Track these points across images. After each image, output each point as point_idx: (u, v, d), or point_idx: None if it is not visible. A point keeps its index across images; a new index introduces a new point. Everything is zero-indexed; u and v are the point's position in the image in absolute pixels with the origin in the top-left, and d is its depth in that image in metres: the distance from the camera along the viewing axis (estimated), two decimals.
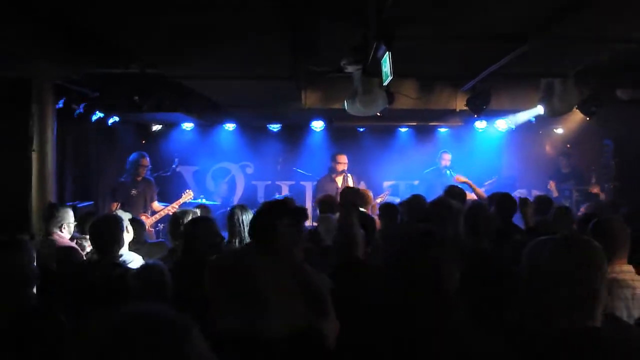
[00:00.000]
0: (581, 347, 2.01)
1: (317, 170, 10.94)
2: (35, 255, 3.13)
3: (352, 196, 3.83)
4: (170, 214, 9.13)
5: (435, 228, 2.71)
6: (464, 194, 6.58)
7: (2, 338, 2.69)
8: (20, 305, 2.94)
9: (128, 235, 4.94)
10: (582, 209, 7.81)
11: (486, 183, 10.45)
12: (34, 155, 6.81)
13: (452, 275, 2.55)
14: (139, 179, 9.27)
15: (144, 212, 9.17)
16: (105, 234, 4.45)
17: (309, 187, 12.01)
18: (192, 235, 4.42)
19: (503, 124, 11.12)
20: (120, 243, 4.51)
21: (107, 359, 1.22)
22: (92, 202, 9.33)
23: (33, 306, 3.03)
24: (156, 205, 9.46)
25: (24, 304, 2.97)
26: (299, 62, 7.21)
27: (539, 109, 8.94)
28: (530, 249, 2.22)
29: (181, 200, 9.41)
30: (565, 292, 2.08)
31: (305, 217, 3.32)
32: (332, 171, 9.68)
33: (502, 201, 5.89)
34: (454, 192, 6.38)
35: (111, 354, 1.22)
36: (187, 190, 9.71)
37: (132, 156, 9.46)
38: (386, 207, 6.34)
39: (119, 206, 8.75)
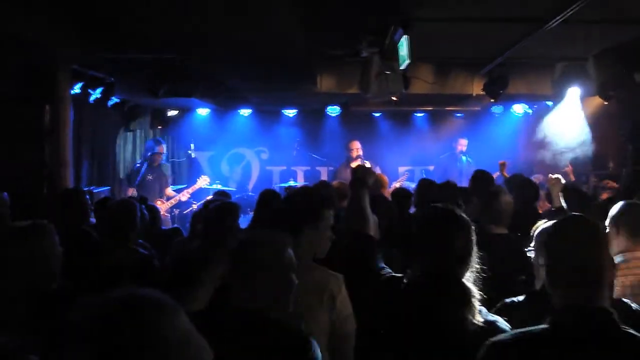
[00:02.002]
0: (584, 326, 1.98)
1: (333, 155, 10.91)
2: (58, 240, 3.14)
3: (362, 173, 3.75)
4: (184, 200, 9.18)
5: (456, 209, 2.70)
6: (490, 178, 6.44)
7: (25, 323, 2.70)
8: (44, 290, 2.95)
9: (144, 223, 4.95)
10: (604, 195, 7.70)
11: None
12: (51, 140, 6.83)
13: (468, 256, 2.55)
14: (155, 164, 9.31)
15: (160, 198, 9.20)
16: (122, 219, 4.46)
17: (324, 173, 11.99)
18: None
19: (520, 109, 11.01)
20: (136, 228, 4.52)
21: (86, 343, 1.23)
22: (109, 188, 9.37)
23: (55, 291, 3.03)
24: (169, 191, 9.49)
25: (47, 289, 2.98)
26: (313, 46, 7.16)
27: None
28: (540, 230, 2.21)
29: (196, 186, 9.43)
30: (567, 269, 2.06)
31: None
32: (349, 159, 9.67)
33: (522, 186, 5.82)
34: (480, 177, 6.29)
35: (91, 338, 1.24)
36: (203, 176, 9.73)
37: (149, 143, 9.50)
38: (399, 192, 6.30)
39: (134, 191, 8.79)
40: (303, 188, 3.71)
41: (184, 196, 9.29)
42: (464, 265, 2.55)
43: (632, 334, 1.97)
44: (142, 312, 1.28)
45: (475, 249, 2.59)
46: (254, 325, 2.27)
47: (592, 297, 2.02)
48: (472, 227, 2.62)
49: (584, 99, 9.14)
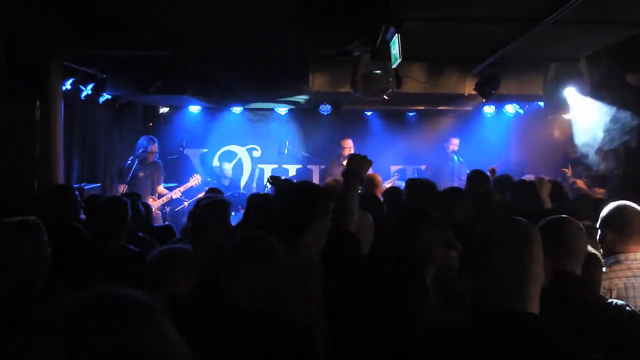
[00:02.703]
0: (507, 331, 1.91)
1: (324, 154, 10.93)
2: (47, 238, 3.12)
3: (356, 165, 3.67)
4: (175, 197, 9.15)
5: (427, 208, 2.72)
6: (485, 178, 6.44)
7: (4, 319, 2.68)
8: (32, 288, 2.93)
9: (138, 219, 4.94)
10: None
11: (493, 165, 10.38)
12: (41, 136, 6.80)
13: (433, 253, 2.57)
14: (147, 162, 9.27)
15: (152, 195, 9.18)
16: (111, 215, 4.44)
17: (316, 171, 12.00)
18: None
19: (511, 109, 11.05)
20: (125, 225, 4.50)
21: (61, 343, 1.16)
22: (99, 185, 9.34)
23: (40, 289, 3.02)
24: (161, 188, 9.47)
25: (35, 287, 2.97)
26: (305, 45, 7.17)
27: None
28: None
29: (188, 185, 9.41)
30: (492, 273, 2.01)
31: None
32: (340, 156, 9.67)
33: (520, 185, 5.84)
34: (475, 177, 6.31)
35: (66, 338, 1.16)
36: (195, 175, 9.70)
37: (141, 140, 9.44)
38: (390, 191, 6.33)
39: (125, 188, 8.76)
40: (303, 185, 3.59)
41: (176, 194, 9.27)
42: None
43: (556, 344, 1.88)
44: (122, 314, 1.21)
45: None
46: (251, 323, 2.26)
47: (513, 301, 1.96)
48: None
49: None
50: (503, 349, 1.87)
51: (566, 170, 9.53)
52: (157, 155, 9.53)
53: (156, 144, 9.41)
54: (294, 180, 7.20)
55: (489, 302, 1.98)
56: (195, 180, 9.52)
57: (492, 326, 1.94)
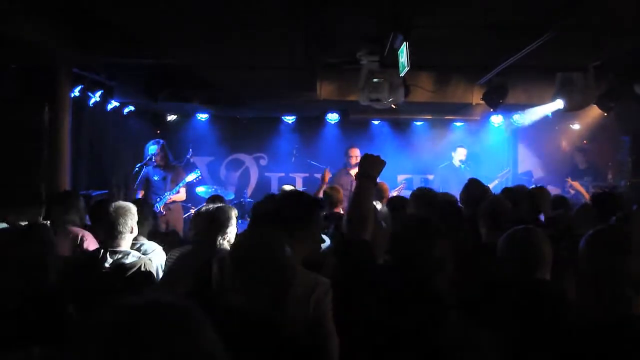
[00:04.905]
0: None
1: (332, 162, 10.89)
2: (54, 242, 3.13)
3: (369, 166, 3.42)
4: (180, 198, 9.02)
5: (431, 218, 2.71)
6: (484, 189, 6.40)
7: (8, 320, 2.69)
8: (33, 291, 2.93)
9: (147, 224, 4.94)
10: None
11: (499, 175, 10.36)
12: (49, 142, 6.83)
13: (441, 264, 2.56)
14: (162, 164, 9.09)
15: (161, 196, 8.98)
16: (119, 220, 4.43)
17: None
18: None
19: (519, 119, 11.02)
20: (133, 231, 4.48)
21: (113, 354, 1.14)
22: (107, 192, 9.32)
23: (44, 293, 3.02)
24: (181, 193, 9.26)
25: (36, 290, 2.97)
26: (313, 53, 7.17)
27: (558, 104, 8.83)
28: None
29: (187, 180, 9.11)
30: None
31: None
32: (347, 164, 9.65)
33: (533, 195, 5.80)
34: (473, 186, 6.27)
35: (117, 348, 1.14)
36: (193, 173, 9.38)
37: (150, 144, 9.22)
38: (393, 200, 6.30)
39: (142, 194, 8.73)
40: (293, 191, 3.50)
41: (180, 195, 9.05)
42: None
43: None
44: (168, 322, 1.19)
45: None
46: (256, 326, 2.25)
47: None
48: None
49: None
50: None
51: (569, 180, 9.49)
52: (170, 156, 9.38)
53: (159, 146, 9.19)
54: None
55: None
56: (192, 176, 9.21)
57: None
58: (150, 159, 9.03)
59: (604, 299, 2.13)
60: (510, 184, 9.56)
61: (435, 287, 2.54)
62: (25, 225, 3.09)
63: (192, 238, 4.76)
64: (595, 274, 2.16)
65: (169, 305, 1.23)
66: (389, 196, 7.27)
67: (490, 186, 9.91)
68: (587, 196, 8.61)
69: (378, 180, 3.44)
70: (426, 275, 2.56)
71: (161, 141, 9.27)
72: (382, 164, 3.40)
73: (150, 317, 1.19)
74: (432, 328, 2.43)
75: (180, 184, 9.00)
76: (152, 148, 9.09)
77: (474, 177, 6.58)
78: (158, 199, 8.83)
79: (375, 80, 7.39)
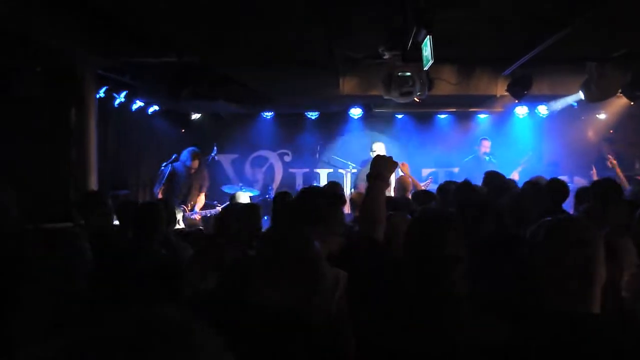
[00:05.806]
0: (568, 332, 1.90)
1: (355, 158, 10.88)
2: (87, 246, 3.14)
3: (380, 167, 3.45)
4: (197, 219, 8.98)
5: (447, 212, 2.67)
6: (503, 181, 6.35)
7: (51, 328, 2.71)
8: (72, 295, 2.96)
9: (173, 223, 4.97)
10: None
11: (522, 160, 10.26)
12: (76, 143, 6.90)
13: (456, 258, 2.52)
14: (192, 172, 9.10)
15: (183, 204, 9.01)
16: (146, 220, 4.47)
17: (347, 175, 11.95)
18: None
19: (544, 110, 10.91)
20: (160, 230, 4.52)
21: None
22: (128, 192, 9.38)
23: (82, 295, 3.04)
24: (200, 199, 9.30)
25: (75, 294, 2.99)
26: (335, 48, 7.15)
27: (579, 95, 8.74)
28: (531, 232, 2.15)
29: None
30: (556, 273, 1.99)
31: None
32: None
33: (553, 185, 5.73)
34: (492, 179, 6.21)
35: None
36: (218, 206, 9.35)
37: (185, 152, 9.14)
38: (420, 194, 6.27)
39: (162, 191, 8.77)
40: (311, 187, 3.49)
41: (198, 215, 9.02)
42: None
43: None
44: (169, 337, 1.14)
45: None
46: (289, 322, 2.25)
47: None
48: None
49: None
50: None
51: (610, 158, 9.34)
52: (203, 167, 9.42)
53: (197, 160, 9.14)
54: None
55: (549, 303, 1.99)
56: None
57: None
58: (180, 166, 9.01)
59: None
60: (533, 169, 9.42)
61: (449, 282, 2.51)
62: (56, 227, 3.09)
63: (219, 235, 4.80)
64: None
65: (170, 319, 1.18)
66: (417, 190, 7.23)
67: (516, 172, 9.87)
68: (624, 181, 8.52)
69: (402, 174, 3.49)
70: (440, 270, 2.53)
71: (197, 152, 9.22)
72: (394, 164, 3.45)
73: (150, 332, 1.14)
74: (446, 323, 2.41)
75: (196, 213, 8.99)
76: (187, 158, 9.02)
77: (496, 170, 6.57)
78: (179, 202, 8.85)
79: (400, 74, 7.35)
